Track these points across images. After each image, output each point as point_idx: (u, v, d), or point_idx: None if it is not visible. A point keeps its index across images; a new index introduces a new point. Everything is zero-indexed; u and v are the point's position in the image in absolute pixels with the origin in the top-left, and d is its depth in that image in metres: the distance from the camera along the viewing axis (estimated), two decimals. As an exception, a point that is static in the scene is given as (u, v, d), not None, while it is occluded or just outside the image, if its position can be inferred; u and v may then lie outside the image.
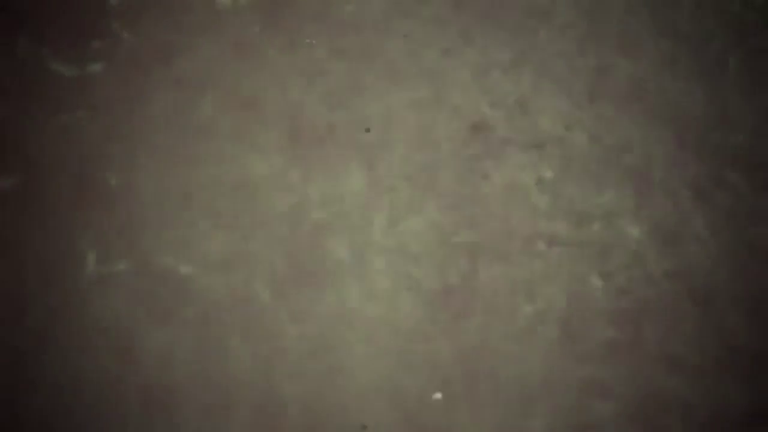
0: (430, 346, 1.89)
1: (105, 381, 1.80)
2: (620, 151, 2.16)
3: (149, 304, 1.89)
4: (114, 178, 2.04)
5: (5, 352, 1.80)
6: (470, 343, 1.90)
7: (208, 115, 2.16)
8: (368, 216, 2.05)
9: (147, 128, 2.14)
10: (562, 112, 2.20)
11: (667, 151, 2.16)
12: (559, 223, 2.05)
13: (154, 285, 1.92)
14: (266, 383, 1.81)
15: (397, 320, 1.91)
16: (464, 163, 2.12)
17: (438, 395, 1.82)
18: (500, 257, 2.01)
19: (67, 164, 2.05)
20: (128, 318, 1.87)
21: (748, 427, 1.86)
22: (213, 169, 2.08)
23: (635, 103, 2.24)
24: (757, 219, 2.11)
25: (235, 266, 1.95)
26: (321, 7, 2.37)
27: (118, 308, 1.88)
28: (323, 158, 2.11)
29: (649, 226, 2.05)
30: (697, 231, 2.06)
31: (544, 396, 1.84)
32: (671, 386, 1.86)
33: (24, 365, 1.80)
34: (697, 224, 2.07)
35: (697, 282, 1.99)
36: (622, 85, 2.26)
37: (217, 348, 1.85)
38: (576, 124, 2.19)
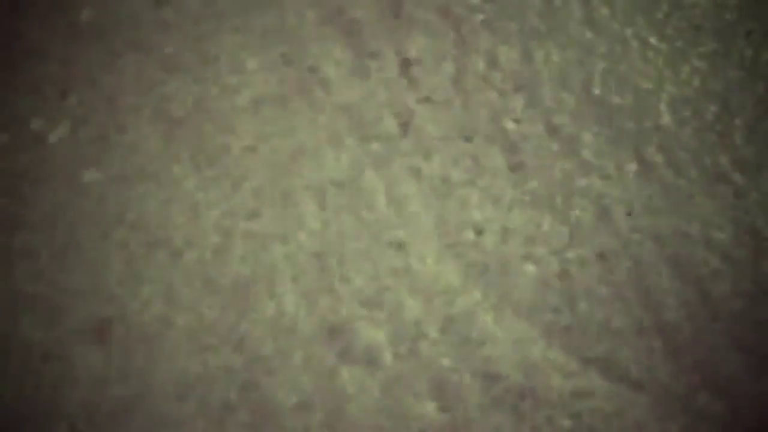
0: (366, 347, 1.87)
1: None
2: (549, 135, 2.16)
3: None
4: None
5: None
6: (407, 336, 1.88)
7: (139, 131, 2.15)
8: (301, 218, 2.04)
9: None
10: (491, 104, 2.21)
11: (597, 132, 2.17)
12: (489, 213, 2.04)
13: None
14: (212, 389, 1.79)
15: (336, 326, 1.90)
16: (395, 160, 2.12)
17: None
18: (432, 250, 2.00)
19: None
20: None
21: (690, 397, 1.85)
22: (142, 188, 2.07)
23: (563, 92, 2.25)
24: (685, 198, 2.11)
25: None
26: (241, 19, 2.38)
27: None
28: (253, 168, 2.11)
29: (575, 213, 2.05)
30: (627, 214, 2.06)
31: (485, 388, 1.82)
32: (615, 365, 1.85)
33: None
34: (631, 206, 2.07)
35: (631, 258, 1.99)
36: (550, 72, 2.27)
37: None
38: (503, 115, 2.20)
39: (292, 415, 1.77)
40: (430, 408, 1.80)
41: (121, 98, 2.21)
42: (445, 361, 1.85)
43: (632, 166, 2.14)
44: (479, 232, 2.02)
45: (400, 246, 2.00)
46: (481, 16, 2.38)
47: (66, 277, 1.93)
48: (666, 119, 2.23)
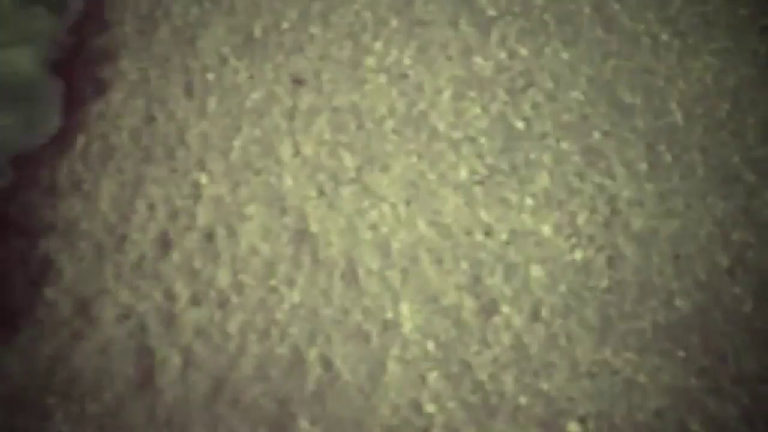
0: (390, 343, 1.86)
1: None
2: (556, 140, 2.14)
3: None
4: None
5: None
6: (421, 333, 1.87)
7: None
8: (307, 223, 2.03)
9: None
10: (495, 103, 2.19)
11: (607, 131, 2.15)
12: (495, 214, 2.02)
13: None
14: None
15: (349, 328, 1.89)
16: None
17: None
18: (442, 251, 1.99)
19: None
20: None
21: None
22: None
23: (572, 90, 2.22)
24: (696, 197, 2.09)
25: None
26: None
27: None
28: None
29: (585, 213, 2.03)
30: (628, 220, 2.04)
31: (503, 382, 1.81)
32: (615, 364, 1.84)
33: None
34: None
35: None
36: (559, 70, 2.25)
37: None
38: (512, 114, 2.17)
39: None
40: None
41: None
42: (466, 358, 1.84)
43: (643, 165, 2.12)
44: (487, 233, 2.00)
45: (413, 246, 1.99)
46: (490, 13, 2.35)
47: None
48: (677, 117, 2.20)
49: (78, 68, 2.23)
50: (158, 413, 1.65)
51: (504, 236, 1.99)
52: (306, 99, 2.21)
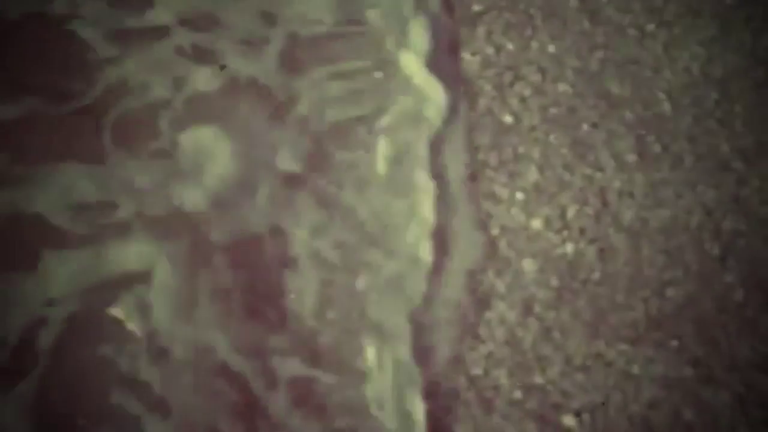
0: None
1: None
2: (545, 133, 2.14)
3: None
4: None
5: None
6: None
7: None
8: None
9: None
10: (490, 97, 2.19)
11: (595, 123, 2.15)
12: (486, 209, 2.03)
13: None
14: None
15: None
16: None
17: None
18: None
19: None
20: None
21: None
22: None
23: (559, 83, 2.22)
24: (686, 187, 2.09)
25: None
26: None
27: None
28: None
29: (575, 206, 2.03)
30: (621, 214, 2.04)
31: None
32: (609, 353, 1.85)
33: None
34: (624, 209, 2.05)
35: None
36: (547, 63, 2.24)
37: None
38: (500, 109, 2.17)
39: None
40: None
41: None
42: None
43: (632, 156, 2.12)
44: (479, 228, 2.00)
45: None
46: (476, 8, 2.35)
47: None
48: (665, 107, 2.20)
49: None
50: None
51: (495, 231, 1.99)
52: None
